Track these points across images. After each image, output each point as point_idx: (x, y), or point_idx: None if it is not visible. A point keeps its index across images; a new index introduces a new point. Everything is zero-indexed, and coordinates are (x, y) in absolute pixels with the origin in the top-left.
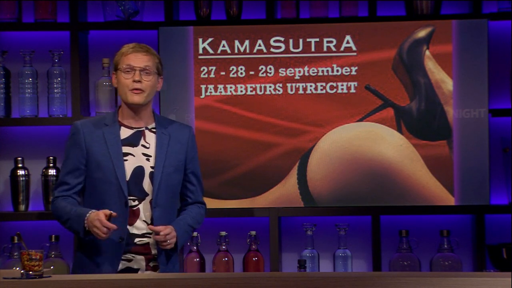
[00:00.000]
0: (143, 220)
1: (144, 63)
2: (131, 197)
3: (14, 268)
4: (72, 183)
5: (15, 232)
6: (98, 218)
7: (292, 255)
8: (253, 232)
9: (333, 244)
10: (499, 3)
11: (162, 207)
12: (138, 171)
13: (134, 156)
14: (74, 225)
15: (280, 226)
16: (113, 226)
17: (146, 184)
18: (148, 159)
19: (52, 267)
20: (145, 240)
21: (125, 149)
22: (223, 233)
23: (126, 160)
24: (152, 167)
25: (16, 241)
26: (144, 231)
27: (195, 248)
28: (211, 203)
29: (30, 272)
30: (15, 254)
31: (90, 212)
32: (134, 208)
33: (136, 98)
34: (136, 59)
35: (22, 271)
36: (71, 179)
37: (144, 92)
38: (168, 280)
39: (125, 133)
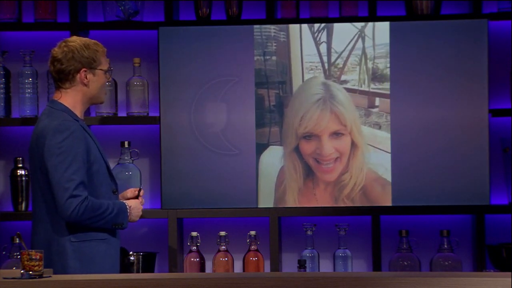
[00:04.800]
0: None
1: None
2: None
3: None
4: (86, 181)
5: (15, 232)
6: (139, 201)
7: (292, 255)
8: (253, 232)
9: (333, 244)
10: (499, 3)
11: None
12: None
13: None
14: (119, 218)
15: (280, 226)
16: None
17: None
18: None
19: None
20: None
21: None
22: (223, 233)
23: None
24: None
25: (16, 241)
26: None
27: (195, 248)
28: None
29: (30, 272)
30: (15, 254)
31: (124, 202)
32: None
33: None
34: None
35: (22, 271)
36: (85, 177)
37: None
38: (168, 280)
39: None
